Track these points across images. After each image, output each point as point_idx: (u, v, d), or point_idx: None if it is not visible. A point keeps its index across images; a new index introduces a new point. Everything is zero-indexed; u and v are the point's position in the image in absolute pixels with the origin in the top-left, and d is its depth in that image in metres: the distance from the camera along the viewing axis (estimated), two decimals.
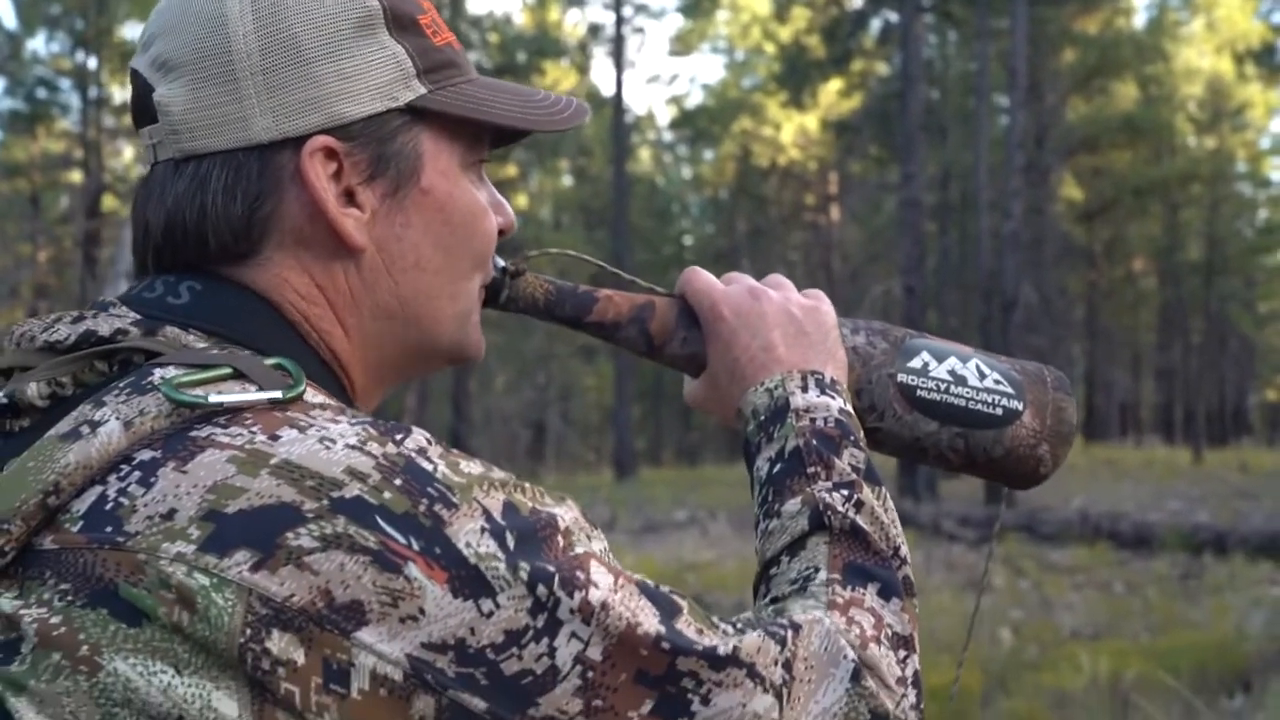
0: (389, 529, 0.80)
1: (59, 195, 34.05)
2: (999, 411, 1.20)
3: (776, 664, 0.89)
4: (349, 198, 0.97)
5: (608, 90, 37.25)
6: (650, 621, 0.85)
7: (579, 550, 0.85)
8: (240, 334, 0.94)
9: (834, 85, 33.97)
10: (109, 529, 0.80)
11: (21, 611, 0.79)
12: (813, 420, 1.08)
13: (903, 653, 0.98)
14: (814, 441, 1.06)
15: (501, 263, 1.12)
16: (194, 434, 0.83)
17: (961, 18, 27.47)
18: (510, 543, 0.82)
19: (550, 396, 41.35)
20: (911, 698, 0.96)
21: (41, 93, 31.32)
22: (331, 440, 0.83)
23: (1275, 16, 41.66)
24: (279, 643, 0.77)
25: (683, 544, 15.33)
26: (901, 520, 1.11)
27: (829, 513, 1.03)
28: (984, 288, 25.20)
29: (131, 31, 30.79)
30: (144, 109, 0.97)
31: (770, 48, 38.20)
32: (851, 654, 0.94)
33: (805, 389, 1.10)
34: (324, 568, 0.78)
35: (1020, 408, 1.21)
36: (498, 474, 0.87)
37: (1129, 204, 36.67)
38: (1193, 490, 21.77)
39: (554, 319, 1.18)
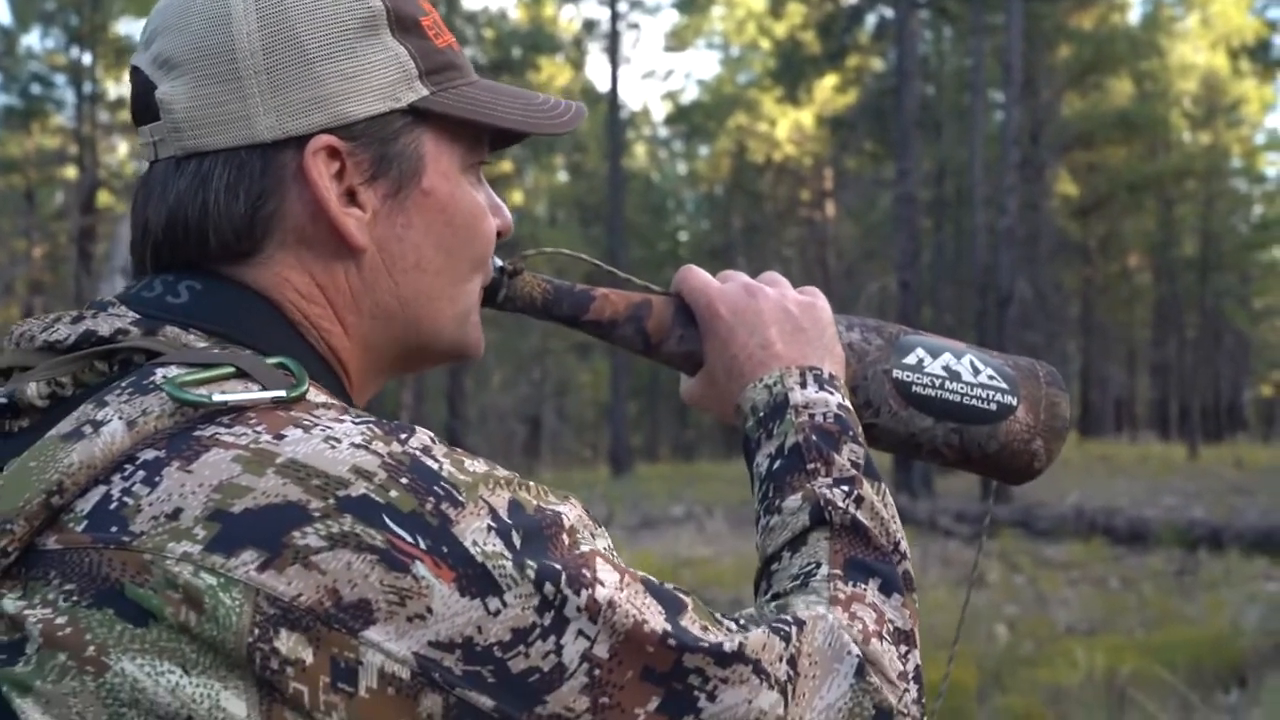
0: (396, 528, 0.80)
1: (54, 191, 34.02)
2: (993, 407, 1.21)
3: (781, 660, 0.89)
4: (351, 198, 0.97)
5: (603, 86, 37.36)
6: (656, 619, 0.85)
7: (584, 548, 0.86)
8: (240, 333, 0.94)
9: (829, 81, 33.96)
10: (114, 529, 0.79)
11: (26, 612, 0.79)
12: (812, 416, 1.08)
13: (904, 648, 0.98)
14: (814, 437, 1.07)
15: (499, 262, 1.13)
16: (198, 433, 0.83)
17: (956, 13, 27.45)
18: (516, 541, 0.82)
19: (546, 393, 41.32)
20: (913, 692, 0.96)
21: (36, 88, 31.29)
22: (337, 439, 0.83)
23: (1270, 12, 41.72)
24: (287, 642, 0.77)
25: (679, 540, 15.33)
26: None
27: (829, 508, 1.03)
28: (979, 283, 25.21)
29: (126, 27, 30.79)
30: (145, 106, 0.97)
31: (765, 43, 38.15)
32: (855, 650, 0.94)
33: (804, 385, 1.10)
34: (331, 567, 0.78)
35: (1014, 403, 1.22)
36: (502, 472, 0.87)
37: (1124, 200, 36.68)
38: (1188, 486, 21.80)
39: (551, 318, 1.18)
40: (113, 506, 0.80)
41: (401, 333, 1.02)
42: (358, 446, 0.83)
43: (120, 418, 0.83)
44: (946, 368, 1.21)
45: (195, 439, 0.83)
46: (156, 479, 0.81)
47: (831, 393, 1.11)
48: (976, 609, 10.01)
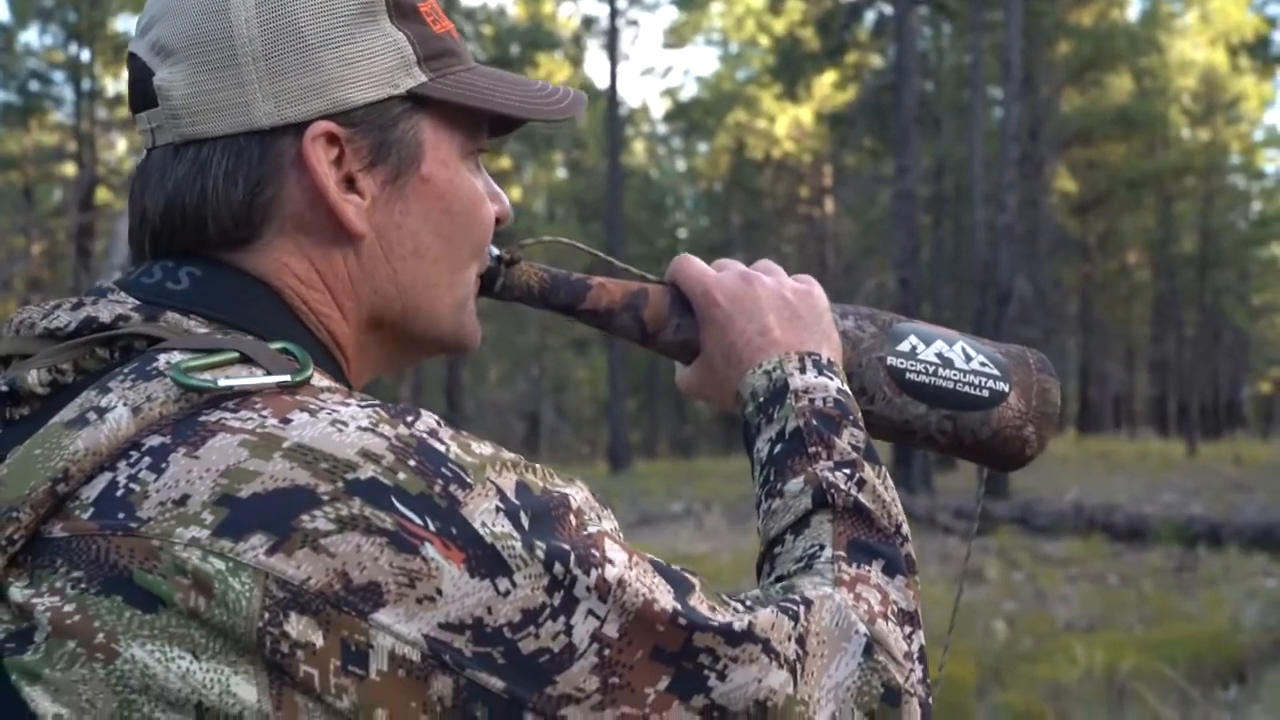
0: (405, 510, 0.80)
1: (52, 188, 34.00)
2: (986, 393, 1.22)
3: (790, 639, 0.90)
4: (349, 184, 0.97)
5: (602, 83, 37.32)
6: (665, 598, 0.85)
7: (592, 529, 0.86)
8: (241, 319, 0.93)
9: (828, 78, 33.93)
10: (121, 515, 0.79)
11: (33, 600, 0.78)
12: (812, 400, 1.08)
13: (908, 628, 0.98)
14: (814, 421, 1.07)
15: (496, 251, 1.13)
16: (203, 419, 0.83)
17: (956, 10, 27.46)
18: (525, 522, 0.83)
19: (544, 389, 41.35)
20: (919, 672, 0.97)
21: (35, 85, 31.24)
22: (343, 423, 0.83)
23: (1269, 8, 41.73)
24: (297, 625, 0.77)
25: (678, 536, 15.34)
26: None
27: (832, 491, 1.03)
28: (978, 280, 25.19)
29: (125, 24, 30.75)
30: (142, 93, 0.97)
31: (764, 40, 38.11)
32: (863, 629, 0.94)
33: (803, 370, 1.11)
34: (340, 550, 0.78)
35: (1006, 389, 1.23)
36: (508, 455, 0.87)
37: (1123, 196, 36.66)
38: (1187, 483, 21.80)
39: (548, 307, 1.19)
40: (119, 493, 0.80)
41: (399, 319, 1.02)
42: (364, 429, 0.83)
43: (125, 404, 0.83)
44: (939, 355, 1.22)
45: (201, 424, 0.83)
46: (163, 465, 0.81)
47: (831, 378, 1.11)
48: (975, 605, 10.03)
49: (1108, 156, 36.80)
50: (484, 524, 0.81)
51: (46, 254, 33.16)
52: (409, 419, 0.85)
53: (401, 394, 29.17)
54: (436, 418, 0.87)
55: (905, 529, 1.06)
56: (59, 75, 31.50)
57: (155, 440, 0.82)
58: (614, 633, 0.83)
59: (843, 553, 1.01)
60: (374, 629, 0.78)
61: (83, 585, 0.78)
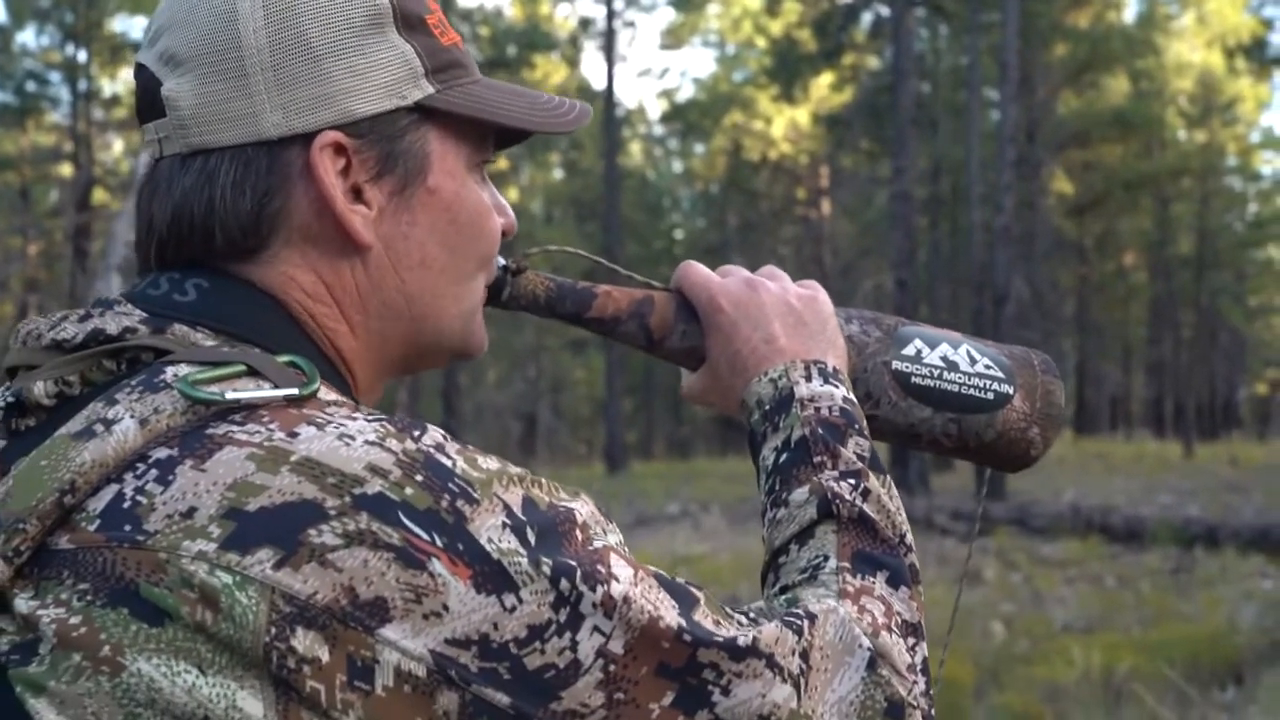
0: (412, 525, 0.80)
1: (49, 189, 33.94)
2: (990, 396, 1.22)
3: (794, 654, 0.90)
4: (356, 195, 0.97)
5: (599, 84, 37.33)
6: (670, 614, 0.85)
7: (598, 544, 0.86)
8: (248, 332, 0.93)
9: (825, 79, 33.94)
10: (128, 528, 0.79)
11: (39, 612, 0.78)
12: (817, 409, 1.09)
13: (911, 640, 0.98)
14: (819, 430, 1.07)
15: (503, 261, 1.13)
16: (211, 431, 0.83)
17: (953, 11, 27.47)
18: (531, 538, 0.83)
19: (541, 390, 41.33)
20: (922, 684, 0.97)
21: (31, 86, 31.19)
22: (350, 437, 0.83)
23: (1265, 10, 41.75)
24: (304, 640, 0.77)
25: (675, 537, 15.34)
26: None
27: (837, 501, 1.03)
28: (975, 282, 25.22)
29: (121, 24, 30.76)
30: (150, 103, 0.97)
31: (761, 41, 38.11)
32: (866, 643, 0.94)
33: (809, 378, 1.11)
34: (347, 565, 0.78)
35: (1011, 391, 1.23)
36: (514, 469, 0.87)
37: (1120, 198, 36.68)
38: (1184, 484, 21.82)
39: (555, 316, 1.19)
40: (126, 505, 0.80)
41: (407, 331, 1.02)
42: (372, 444, 0.82)
43: (132, 416, 0.83)
44: (944, 358, 1.22)
45: (208, 437, 0.82)
46: (170, 477, 0.81)
47: (836, 386, 1.11)
48: (973, 607, 10.03)
49: (1104, 158, 36.82)
50: (490, 540, 0.81)
51: (43, 255, 33.12)
52: (416, 433, 0.85)
53: (399, 397, 29.15)
54: (443, 432, 0.87)
55: (909, 539, 1.06)
56: (56, 76, 31.46)
57: (162, 453, 0.82)
58: (619, 649, 0.83)
59: (847, 564, 1.01)
60: (380, 644, 0.78)
61: (89, 597, 0.78)
